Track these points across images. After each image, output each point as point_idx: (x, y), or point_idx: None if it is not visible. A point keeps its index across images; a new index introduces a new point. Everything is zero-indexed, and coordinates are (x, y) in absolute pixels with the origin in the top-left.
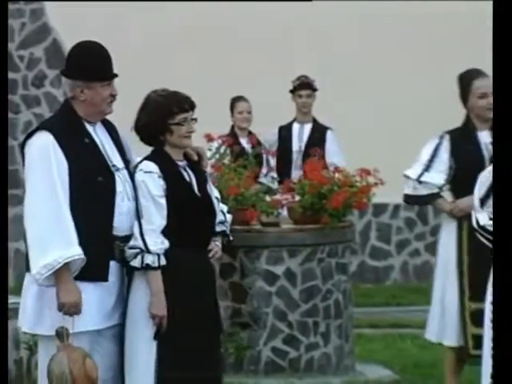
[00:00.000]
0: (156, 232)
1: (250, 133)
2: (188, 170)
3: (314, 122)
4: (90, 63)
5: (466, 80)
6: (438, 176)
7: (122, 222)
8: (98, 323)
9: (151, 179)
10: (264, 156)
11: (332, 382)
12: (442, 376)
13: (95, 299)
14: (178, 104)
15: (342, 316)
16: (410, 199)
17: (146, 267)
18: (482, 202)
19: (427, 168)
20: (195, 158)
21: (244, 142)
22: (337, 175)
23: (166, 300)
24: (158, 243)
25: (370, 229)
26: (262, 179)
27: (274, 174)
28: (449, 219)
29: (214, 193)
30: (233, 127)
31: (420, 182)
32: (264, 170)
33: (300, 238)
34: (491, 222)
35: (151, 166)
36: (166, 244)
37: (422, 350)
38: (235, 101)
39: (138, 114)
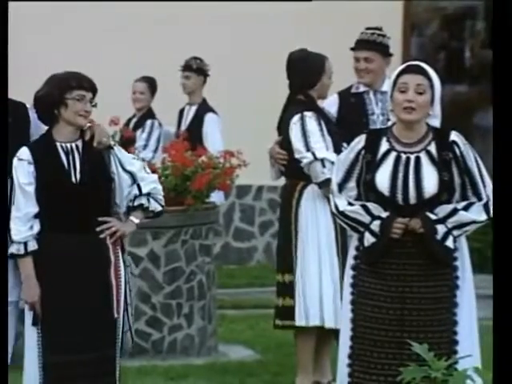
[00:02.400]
0: (22, 220)
1: (147, 114)
2: (78, 150)
3: (201, 104)
4: None
5: (318, 60)
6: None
7: None
8: None
9: (21, 167)
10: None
11: (195, 363)
12: None
13: None
14: (78, 80)
15: (206, 297)
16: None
17: (11, 256)
18: (340, 186)
19: (328, 149)
20: (87, 137)
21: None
22: (201, 157)
23: (41, 285)
24: (22, 231)
25: (233, 210)
26: None
27: (150, 155)
28: (321, 200)
29: (128, 167)
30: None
31: (333, 164)
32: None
33: (163, 220)
34: (350, 207)
35: (23, 153)
36: (35, 230)
37: (285, 330)
38: (134, 81)
39: (40, 87)
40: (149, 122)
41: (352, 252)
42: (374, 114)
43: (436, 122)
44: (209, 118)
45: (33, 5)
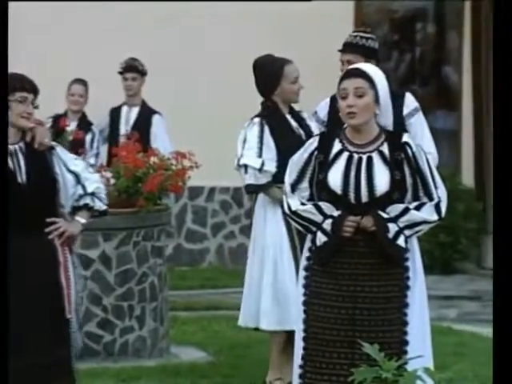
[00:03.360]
0: None
1: (83, 117)
2: (22, 152)
3: (143, 105)
4: None
5: (275, 65)
6: (271, 164)
7: None
8: None
9: None
10: (87, 142)
11: (146, 365)
12: (256, 356)
13: None
14: (20, 82)
15: (157, 299)
16: (253, 188)
17: None
18: (293, 187)
19: (260, 156)
20: (28, 138)
21: (74, 124)
22: (152, 158)
23: None
24: None
25: (185, 212)
26: None
27: (92, 161)
28: (270, 206)
29: (72, 168)
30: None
31: (260, 171)
32: (82, 154)
33: (115, 222)
34: (302, 207)
35: None
36: None
37: (237, 331)
38: (71, 83)
39: None
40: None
41: (305, 253)
42: None
43: (388, 121)
44: (156, 119)
45: (33, 5)
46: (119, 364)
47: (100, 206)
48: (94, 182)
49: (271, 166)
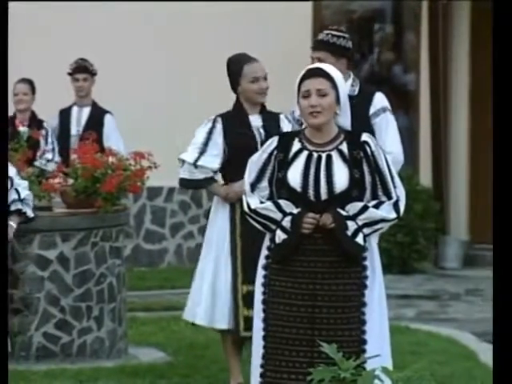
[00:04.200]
0: None
1: (33, 116)
2: None
3: (94, 105)
4: None
5: (236, 64)
6: (213, 160)
7: None
8: None
9: None
10: (42, 139)
11: (105, 366)
12: (214, 356)
13: None
14: None
15: (116, 300)
16: (186, 183)
17: None
18: (253, 186)
19: (202, 152)
20: None
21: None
22: (111, 159)
23: None
24: None
25: (144, 212)
26: (37, 162)
27: (49, 156)
28: (221, 203)
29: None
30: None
31: (196, 167)
32: (39, 153)
33: (73, 222)
34: (261, 205)
35: None
36: None
37: (196, 331)
38: (15, 83)
39: None
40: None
41: (263, 252)
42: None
43: (346, 121)
44: (108, 118)
45: (33, 5)
46: (77, 365)
47: (30, 213)
48: (25, 188)
49: (212, 163)
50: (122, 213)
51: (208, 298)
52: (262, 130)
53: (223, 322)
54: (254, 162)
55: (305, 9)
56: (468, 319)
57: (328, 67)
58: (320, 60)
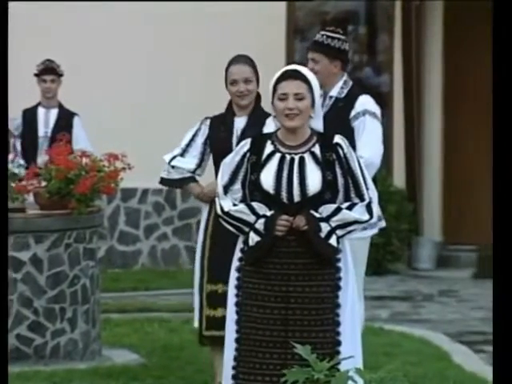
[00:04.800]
0: None
1: None
2: None
3: (60, 107)
4: None
5: (227, 65)
6: (190, 161)
7: None
8: None
9: None
10: (12, 141)
11: (78, 368)
12: (189, 358)
13: None
14: None
15: (90, 301)
16: (164, 182)
17: None
18: (226, 189)
19: (183, 152)
20: None
21: None
22: (84, 160)
23: None
24: None
25: (118, 214)
26: (9, 165)
27: (21, 160)
28: (204, 204)
29: None
30: None
31: (172, 167)
32: (11, 156)
33: (47, 224)
34: (235, 208)
35: None
36: None
37: (170, 333)
38: None
39: None
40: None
41: (237, 254)
42: None
43: (319, 124)
44: (77, 121)
45: (33, 5)
46: (50, 367)
47: None
48: None
49: (188, 163)
50: (96, 214)
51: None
52: (239, 133)
53: (196, 321)
54: (227, 164)
55: (279, 10)
56: (441, 320)
57: (304, 70)
58: (314, 61)
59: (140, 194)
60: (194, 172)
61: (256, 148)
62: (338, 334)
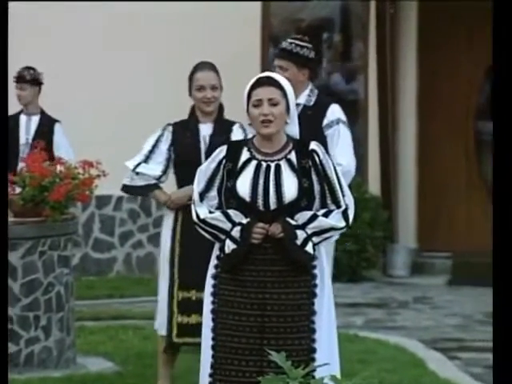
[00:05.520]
0: None
1: None
2: None
3: (42, 114)
4: None
5: (192, 71)
6: (155, 167)
7: None
8: None
9: None
10: None
11: (53, 376)
12: None
13: None
14: None
15: (64, 309)
16: (127, 189)
17: None
18: (201, 196)
19: (146, 159)
20: None
21: None
22: (59, 167)
23: None
24: None
25: (93, 221)
26: None
27: None
28: (168, 210)
29: None
30: None
31: (137, 173)
32: None
33: (21, 231)
34: (210, 215)
35: None
36: None
37: (145, 340)
38: None
39: None
40: None
41: (213, 261)
42: None
43: (295, 129)
44: (58, 127)
45: (33, 5)
46: (25, 375)
47: None
48: None
49: (154, 170)
50: (71, 222)
51: (160, 306)
52: (207, 140)
53: (163, 329)
54: (203, 171)
55: (253, 17)
56: (416, 327)
57: (278, 76)
58: (283, 68)
59: (115, 202)
60: (159, 179)
61: (232, 155)
62: (314, 341)
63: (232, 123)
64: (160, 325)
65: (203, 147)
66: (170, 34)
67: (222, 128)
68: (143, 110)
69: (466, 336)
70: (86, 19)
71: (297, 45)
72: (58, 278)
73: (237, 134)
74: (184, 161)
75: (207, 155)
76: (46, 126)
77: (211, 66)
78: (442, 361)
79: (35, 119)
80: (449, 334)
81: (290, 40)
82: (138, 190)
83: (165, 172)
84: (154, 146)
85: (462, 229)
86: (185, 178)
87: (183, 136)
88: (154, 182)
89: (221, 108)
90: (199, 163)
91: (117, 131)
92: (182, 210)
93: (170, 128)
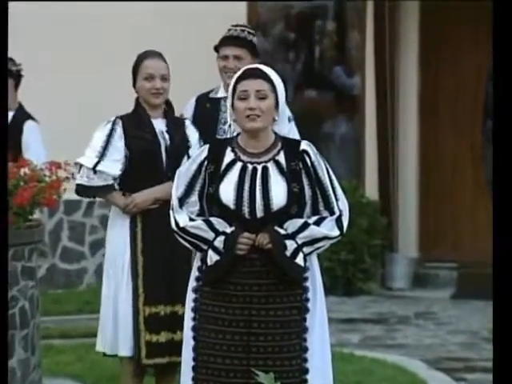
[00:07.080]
0: None
1: None
2: None
3: (18, 110)
4: None
5: (137, 59)
6: (113, 165)
7: None
8: None
9: None
10: None
11: None
12: None
13: None
14: None
15: (29, 326)
16: (83, 190)
17: None
18: (181, 201)
19: (102, 156)
20: None
21: None
22: (23, 169)
23: None
24: None
25: (61, 228)
26: None
27: None
28: (120, 215)
29: None
30: None
31: (95, 172)
32: None
33: None
34: (191, 223)
35: None
36: None
37: (118, 361)
38: None
39: None
40: None
41: (194, 273)
42: (227, 124)
43: (283, 128)
44: (28, 125)
45: (33, 5)
46: None
47: None
48: None
49: (112, 168)
50: (36, 229)
51: (112, 322)
52: (166, 135)
53: (126, 349)
54: (183, 174)
55: (239, 6)
56: (418, 345)
57: (266, 68)
58: (238, 58)
59: (85, 207)
60: (116, 179)
61: (214, 156)
62: (305, 360)
63: (180, 119)
64: (122, 345)
65: (163, 143)
66: (164, 34)
67: (176, 124)
68: (113, 109)
69: (473, 355)
70: (86, 19)
71: (249, 32)
72: (23, 291)
73: (191, 130)
74: (142, 159)
75: (170, 153)
76: (17, 123)
77: (160, 55)
78: (447, 382)
79: (10, 115)
80: (454, 352)
81: (238, 28)
82: (97, 191)
83: (123, 171)
84: (107, 142)
85: (468, 237)
86: (141, 178)
87: (137, 131)
88: (111, 182)
89: (170, 104)
90: (160, 161)
91: (88, 130)
92: (141, 214)
93: (120, 122)
